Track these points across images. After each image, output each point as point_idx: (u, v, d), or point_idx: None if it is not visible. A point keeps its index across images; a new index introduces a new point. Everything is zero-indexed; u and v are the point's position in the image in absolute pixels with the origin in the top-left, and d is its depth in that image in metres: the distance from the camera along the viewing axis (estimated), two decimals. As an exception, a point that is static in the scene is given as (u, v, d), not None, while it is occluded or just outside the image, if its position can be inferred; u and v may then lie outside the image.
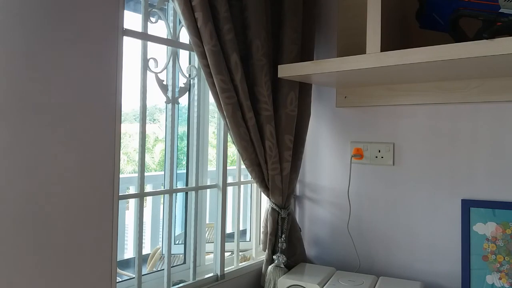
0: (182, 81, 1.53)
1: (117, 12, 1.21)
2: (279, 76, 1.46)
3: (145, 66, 1.36)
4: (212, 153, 1.70)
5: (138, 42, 1.35)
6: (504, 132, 1.39)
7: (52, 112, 1.08)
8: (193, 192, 1.58)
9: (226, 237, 1.61)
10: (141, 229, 1.35)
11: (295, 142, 1.66)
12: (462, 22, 1.26)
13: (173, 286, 1.45)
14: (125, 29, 1.25)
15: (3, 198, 1.00)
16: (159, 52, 1.44)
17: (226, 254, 1.66)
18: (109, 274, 1.19)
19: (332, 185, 1.76)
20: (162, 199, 1.53)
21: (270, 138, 1.53)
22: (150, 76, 1.38)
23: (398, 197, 1.59)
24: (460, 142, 1.47)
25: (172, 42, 1.46)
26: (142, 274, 1.36)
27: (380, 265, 1.62)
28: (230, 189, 1.77)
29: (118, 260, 1.21)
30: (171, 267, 1.48)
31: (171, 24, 1.47)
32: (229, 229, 2.53)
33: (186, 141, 1.65)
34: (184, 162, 1.69)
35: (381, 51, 1.23)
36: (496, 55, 1.02)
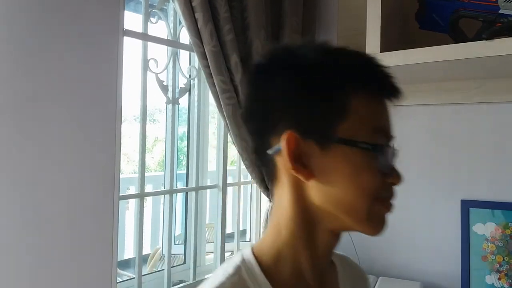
0: (182, 82, 1.53)
1: (117, 12, 1.21)
2: (279, 76, 1.46)
3: (145, 67, 1.36)
4: (212, 154, 1.70)
5: (138, 43, 1.35)
6: (504, 132, 1.39)
7: (52, 112, 1.08)
8: (193, 193, 1.58)
9: (226, 237, 1.61)
10: (141, 229, 1.35)
11: (295, 142, 1.66)
12: (462, 23, 1.26)
13: (173, 286, 1.45)
14: (126, 29, 1.25)
15: (4, 198, 1.00)
16: (159, 53, 1.44)
17: (226, 254, 1.66)
18: (109, 274, 1.19)
19: (332, 185, 1.76)
20: (162, 199, 1.53)
21: (270, 138, 1.53)
22: (151, 77, 1.38)
23: (398, 197, 1.59)
24: (460, 143, 1.47)
25: (172, 43, 1.46)
26: (142, 274, 1.37)
27: (380, 265, 1.62)
28: (230, 189, 1.77)
29: (118, 260, 1.21)
30: (171, 267, 1.48)
31: (171, 25, 1.47)
32: (229, 229, 2.52)
33: (186, 142, 1.65)
34: (184, 163, 1.69)
35: (381, 51, 1.23)
36: (495, 56, 1.02)
